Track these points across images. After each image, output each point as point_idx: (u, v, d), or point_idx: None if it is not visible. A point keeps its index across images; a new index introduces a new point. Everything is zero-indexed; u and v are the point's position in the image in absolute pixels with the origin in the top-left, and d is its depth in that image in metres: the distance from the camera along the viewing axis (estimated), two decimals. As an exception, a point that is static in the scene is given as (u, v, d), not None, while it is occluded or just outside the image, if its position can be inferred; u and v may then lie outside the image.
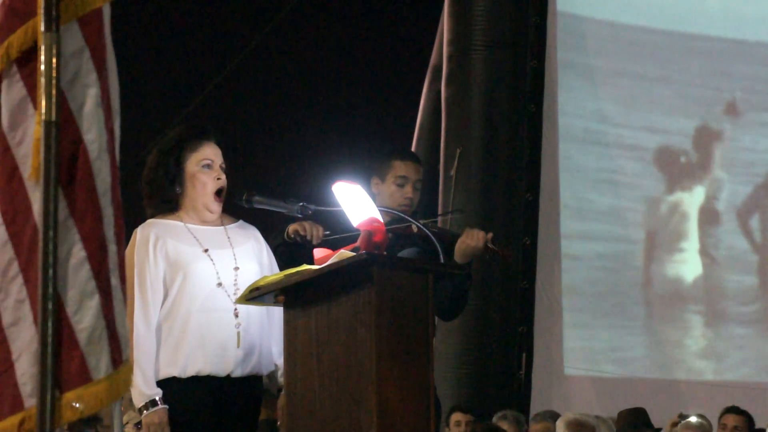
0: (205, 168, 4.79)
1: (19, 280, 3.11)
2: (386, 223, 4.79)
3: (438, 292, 4.55)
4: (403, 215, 5.04)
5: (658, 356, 11.03)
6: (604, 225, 11.10)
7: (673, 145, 11.24)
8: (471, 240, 5.00)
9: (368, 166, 5.34)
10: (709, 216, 11.14)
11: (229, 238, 4.82)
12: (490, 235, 5.05)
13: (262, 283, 4.51)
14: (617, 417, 7.97)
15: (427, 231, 4.84)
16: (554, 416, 8.44)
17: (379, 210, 4.74)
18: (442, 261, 4.68)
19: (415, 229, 5.00)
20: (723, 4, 11.40)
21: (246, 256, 4.80)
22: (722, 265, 11.12)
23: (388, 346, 4.12)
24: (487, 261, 5.15)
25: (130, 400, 5.67)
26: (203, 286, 4.69)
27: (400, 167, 5.29)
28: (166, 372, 4.66)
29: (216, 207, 4.81)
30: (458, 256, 5.03)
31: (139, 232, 4.75)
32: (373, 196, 5.04)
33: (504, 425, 8.44)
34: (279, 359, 4.72)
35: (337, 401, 4.21)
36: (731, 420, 8.25)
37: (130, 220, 4.12)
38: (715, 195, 11.19)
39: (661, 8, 11.30)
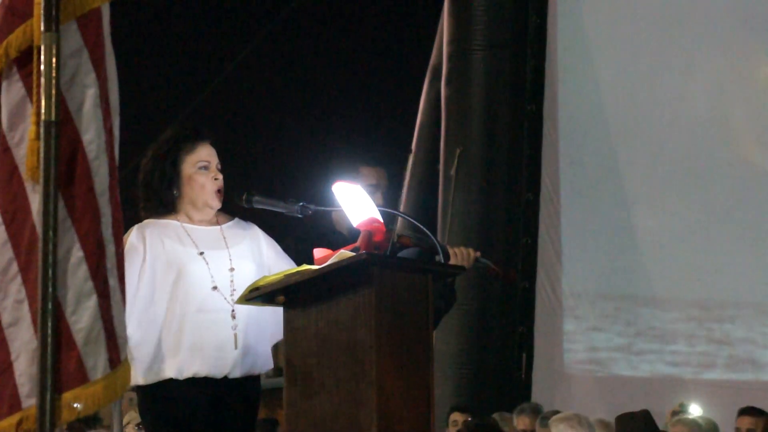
0: (202, 169, 4.77)
1: (18, 280, 3.10)
2: None
3: None
4: (405, 216, 5.00)
5: (659, 356, 11.02)
6: (604, 224, 11.09)
7: (674, 143, 11.22)
8: (462, 262, 4.80)
9: (333, 172, 5.18)
10: (708, 216, 11.12)
11: (224, 238, 4.80)
12: (479, 253, 4.92)
13: (261, 283, 4.50)
14: (615, 421, 7.72)
15: (426, 231, 4.79)
16: (535, 410, 8.45)
17: (379, 210, 4.71)
18: (442, 261, 4.66)
19: (395, 238, 4.90)
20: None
21: (242, 256, 4.77)
22: (722, 265, 11.10)
23: (388, 346, 4.11)
24: (490, 279, 5.04)
25: (131, 400, 5.65)
26: (198, 287, 4.67)
27: (369, 174, 5.19)
28: (164, 374, 4.65)
29: (217, 203, 4.79)
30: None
31: (135, 232, 4.73)
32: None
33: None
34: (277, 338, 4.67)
35: (337, 401, 4.20)
36: (745, 422, 7.95)
37: (129, 220, 4.11)
38: (716, 195, 11.17)
39: (661, 8, 11.29)
